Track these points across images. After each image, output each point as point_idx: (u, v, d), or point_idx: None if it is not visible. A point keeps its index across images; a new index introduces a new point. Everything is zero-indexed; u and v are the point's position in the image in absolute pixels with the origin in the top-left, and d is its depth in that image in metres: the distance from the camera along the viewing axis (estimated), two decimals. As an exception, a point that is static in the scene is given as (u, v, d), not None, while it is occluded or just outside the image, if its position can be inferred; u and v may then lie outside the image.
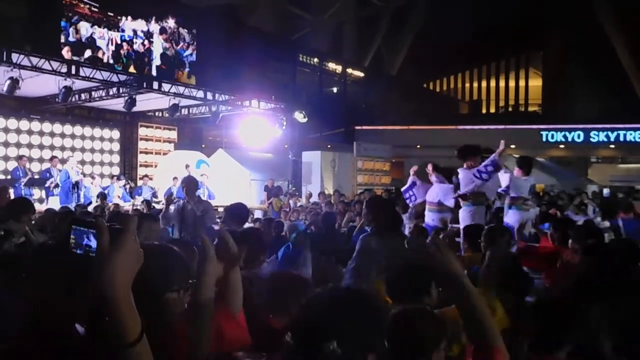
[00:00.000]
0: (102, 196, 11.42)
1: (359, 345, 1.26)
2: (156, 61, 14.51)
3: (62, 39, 12.54)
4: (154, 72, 14.30)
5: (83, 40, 12.93)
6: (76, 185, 11.90)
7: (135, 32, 14.04)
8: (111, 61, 13.39)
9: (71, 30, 12.67)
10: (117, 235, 1.07)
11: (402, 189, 7.57)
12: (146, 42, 14.26)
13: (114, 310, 1.04)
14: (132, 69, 13.75)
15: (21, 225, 4.41)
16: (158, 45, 14.53)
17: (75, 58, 12.27)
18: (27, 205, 4.83)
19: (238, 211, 4.93)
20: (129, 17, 13.86)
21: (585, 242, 3.92)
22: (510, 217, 6.66)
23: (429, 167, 7.38)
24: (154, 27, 14.45)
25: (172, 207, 6.02)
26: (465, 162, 6.62)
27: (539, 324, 2.11)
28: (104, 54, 13.33)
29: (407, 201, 7.64)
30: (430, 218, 7.14)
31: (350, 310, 1.30)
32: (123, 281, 1.06)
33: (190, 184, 6.25)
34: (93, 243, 1.09)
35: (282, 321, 2.29)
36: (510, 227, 6.65)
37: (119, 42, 13.63)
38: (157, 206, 11.24)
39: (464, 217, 6.39)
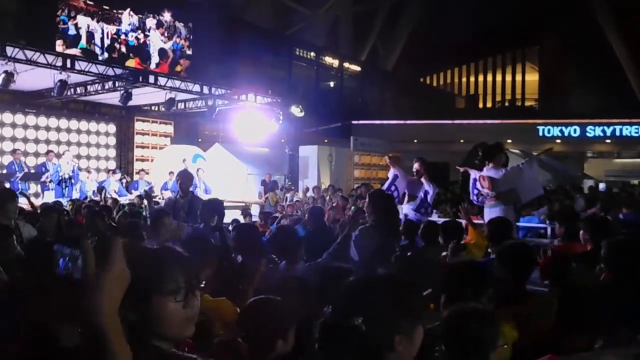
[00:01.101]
0: (101, 190, 11.38)
1: (385, 325, 1.37)
2: (154, 57, 14.45)
3: (60, 33, 12.45)
4: (152, 67, 14.24)
5: (81, 34, 12.86)
6: (69, 179, 11.84)
7: (130, 25, 13.97)
8: (105, 55, 13.33)
9: (70, 24, 12.60)
10: (104, 258, 1.05)
11: (384, 186, 7.20)
12: (141, 35, 14.18)
13: (102, 337, 1.03)
14: (128, 63, 13.68)
15: (4, 216, 4.24)
16: (156, 40, 14.46)
17: (72, 52, 12.20)
18: (7, 194, 4.60)
19: (214, 207, 4.91)
20: (125, 11, 13.79)
21: (594, 232, 3.94)
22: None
23: (417, 165, 7.07)
24: (150, 21, 14.38)
25: (161, 203, 5.93)
26: (491, 162, 6.45)
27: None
28: (96, 46, 13.25)
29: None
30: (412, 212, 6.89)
31: (379, 293, 1.43)
32: (110, 307, 1.05)
33: (185, 178, 6.15)
34: (75, 264, 1.06)
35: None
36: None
37: (114, 35, 13.56)
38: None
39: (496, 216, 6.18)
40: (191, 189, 6.42)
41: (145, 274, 1.31)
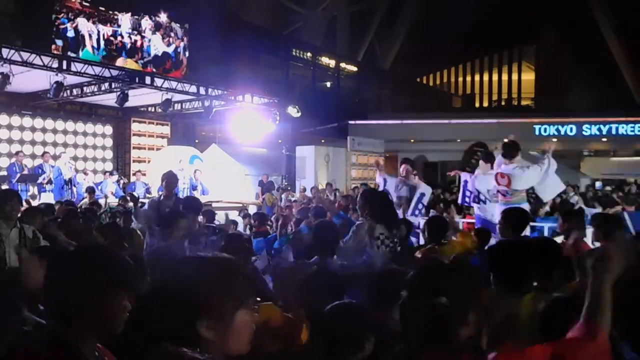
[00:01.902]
0: (91, 190, 11.26)
1: (463, 305, 1.67)
2: (158, 60, 14.44)
3: (60, 35, 12.40)
4: (154, 69, 14.22)
5: (83, 38, 12.83)
6: (69, 181, 11.82)
7: (129, 27, 13.92)
8: (102, 55, 13.30)
9: (69, 26, 12.56)
10: None
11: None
12: (137, 37, 14.15)
13: None
14: (125, 64, 13.64)
15: (6, 218, 4.10)
16: (158, 42, 14.44)
17: (73, 55, 12.16)
18: (4, 195, 4.41)
19: (192, 203, 4.92)
20: (121, 13, 13.75)
21: (607, 229, 3.97)
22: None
23: (403, 168, 7.03)
24: (145, 22, 14.34)
25: (145, 205, 5.81)
26: (509, 159, 6.47)
27: None
28: (94, 48, 13.23)
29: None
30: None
31: (458, 278, 1.74)
32: None
33: (171, 180, 6.00)
34: None
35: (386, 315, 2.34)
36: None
37: (110, 37, 13.52)
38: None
39: None
40: (175, 190, 6.37)
41: (234, 287, 1.30)
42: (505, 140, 6.88)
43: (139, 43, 14.12)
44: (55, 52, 11.81)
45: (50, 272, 1.51)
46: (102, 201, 10.63)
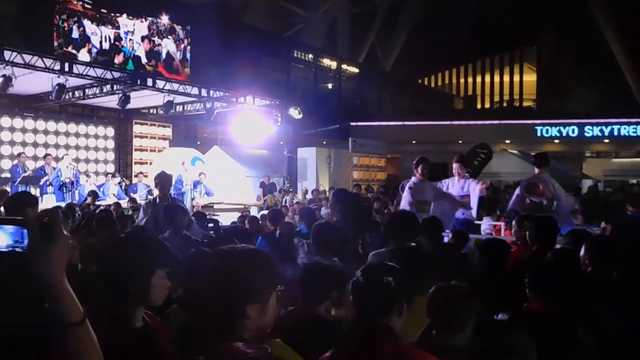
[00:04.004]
0: (94, 194, 11.29)
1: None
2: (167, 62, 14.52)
3: (68, 38, 12.42)
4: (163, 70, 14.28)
5: (89, 39, 12.87)
6: (70, 183, 11.82)
7: (132, 30, 13.95)
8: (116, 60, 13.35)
9: (74, 28, 12.59)
10: (50, 231, 1.14)
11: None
12: (139, 40, 14.17)
13: (54, 295, 1.13)
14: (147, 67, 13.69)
15: None
16: (171, 46, 14.51)
17: (79, 57, 12.19)
18: (28, 199, 4.19)
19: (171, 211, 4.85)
20: (122, 14, 13.77)
21: (539, 232, 3.96)
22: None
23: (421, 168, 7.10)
24: (143, 25, 14.35)
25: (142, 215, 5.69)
26: (540, 169, 6.71)
27: None
28: (97, 50, 13.25)
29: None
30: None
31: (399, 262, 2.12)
32: (59, 270, 1.14)
33: (164, 181, 5.87)
34: (17, 238, 1.15)
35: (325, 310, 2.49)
36: None
37: (112, 40, 13.54)
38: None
39: None
40: (172, 191, 6.28)
41: (273, 273, 1.58)
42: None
43: (155, 48, 14.15)
44: (65, 50, 11.80)
45: (106, 254, 1.87)
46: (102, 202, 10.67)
